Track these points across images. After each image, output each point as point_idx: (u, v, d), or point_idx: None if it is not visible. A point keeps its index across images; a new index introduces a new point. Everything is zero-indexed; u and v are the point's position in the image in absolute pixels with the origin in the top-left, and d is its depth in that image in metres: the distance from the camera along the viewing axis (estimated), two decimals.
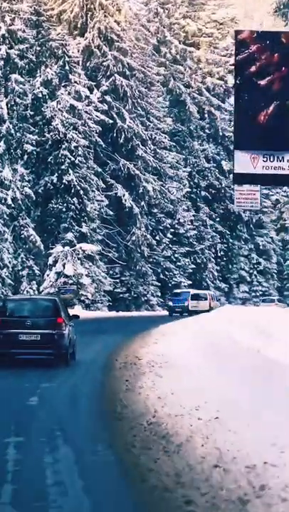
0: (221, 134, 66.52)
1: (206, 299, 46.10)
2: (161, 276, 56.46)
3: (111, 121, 52.04)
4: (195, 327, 24.76)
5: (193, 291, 48.70)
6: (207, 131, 65.76)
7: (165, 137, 58.20)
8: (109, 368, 15.97)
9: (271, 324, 18.25)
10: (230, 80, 70.11)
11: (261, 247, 68.89)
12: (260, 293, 67.55)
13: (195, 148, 62.94)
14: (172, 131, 60.65)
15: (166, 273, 57.34)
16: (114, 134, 53.51)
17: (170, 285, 57.68)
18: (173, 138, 60.59)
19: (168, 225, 57.98)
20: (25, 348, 16.53)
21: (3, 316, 16.70)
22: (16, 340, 16.28)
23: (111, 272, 51.81)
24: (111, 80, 53.91)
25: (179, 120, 63.15)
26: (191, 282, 58.99)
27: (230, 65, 68.85)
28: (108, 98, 53.26)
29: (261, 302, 57.66)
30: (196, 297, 46.47)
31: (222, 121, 66.70)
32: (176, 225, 58.82)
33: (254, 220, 68.65)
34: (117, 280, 52.67)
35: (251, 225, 68.71)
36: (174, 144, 59.79)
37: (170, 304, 48.55)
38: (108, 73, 54.20)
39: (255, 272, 68.24)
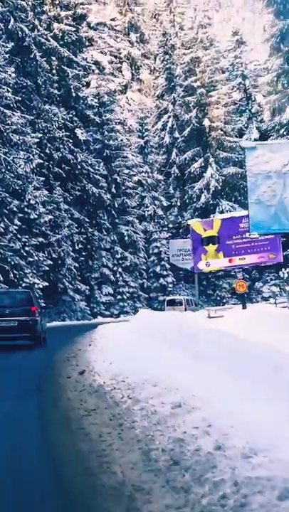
0: (73, 94, 52.29)
1: (181, 304, 42.53)
2: (11, 276, 41.10)
3: None
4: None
5: (168, 298, 46.42)
6: (57, 91, 51.01)
7: (8, 91, 43.06)
8: None
9: None
10: (82, 31, 56.73)
11: (126, 239, 54.95)
12: (128, 295, 54.09)
13: (45, 110, 48.06)
14: (15, 86, 45.44)
15: (15, 272, 42.14)
16: None
17: (21, 288, 42.85)
18: (16, 94, 45.40)
19: (15, 208, 42.96)
20: (5, 332, 19.84)
21: None
22: None
23: None
24: None
25: (22, 72, 48.11)
26: (47, 284, 44.47)
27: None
28: None
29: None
30: (171, 303, 43.06)
31: (74, 78, 52.55)
32: (25, 209, 43.97)
33: (116, 205, 54.89)
34: None
35: (113, 211, 54.77)
36: (18, 99, 44.52)
37: None
38: None
39: (120, 269, 54.29)
